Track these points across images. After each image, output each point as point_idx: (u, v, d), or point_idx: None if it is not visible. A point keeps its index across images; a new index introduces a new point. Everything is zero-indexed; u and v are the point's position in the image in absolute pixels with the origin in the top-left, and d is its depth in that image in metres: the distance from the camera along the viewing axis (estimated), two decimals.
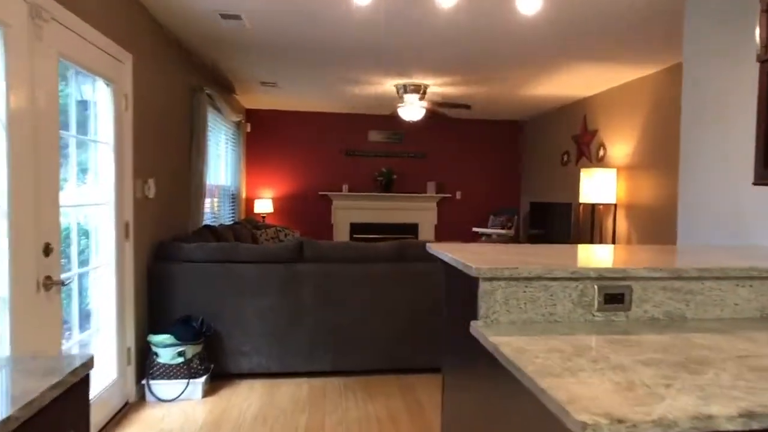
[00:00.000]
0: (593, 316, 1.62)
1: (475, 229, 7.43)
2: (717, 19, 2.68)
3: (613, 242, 5.26)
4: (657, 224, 4.79)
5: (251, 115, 7.33)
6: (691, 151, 2.84)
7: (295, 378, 3.60)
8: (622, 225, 5.26)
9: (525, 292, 1.58)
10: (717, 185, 2.65)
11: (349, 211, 7.65)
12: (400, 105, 5.64)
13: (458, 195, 7.91)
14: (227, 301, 3.49)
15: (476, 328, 1.51)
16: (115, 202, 2.92)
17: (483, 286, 1.55)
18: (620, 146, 5.36)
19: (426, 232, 7.81)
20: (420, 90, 5.45)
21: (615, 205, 5.27)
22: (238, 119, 6.28)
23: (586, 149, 6.01)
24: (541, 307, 1.59)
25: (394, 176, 7.58)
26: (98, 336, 2.88)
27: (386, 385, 3.53)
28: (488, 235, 7.36)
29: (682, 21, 3.57)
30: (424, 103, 5.55)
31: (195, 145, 4.51)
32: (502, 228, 7.33)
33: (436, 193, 7.74)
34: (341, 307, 3.62)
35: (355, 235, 7.67)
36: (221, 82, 5.62)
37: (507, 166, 8.02)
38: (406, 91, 5.47)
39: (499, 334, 1.44)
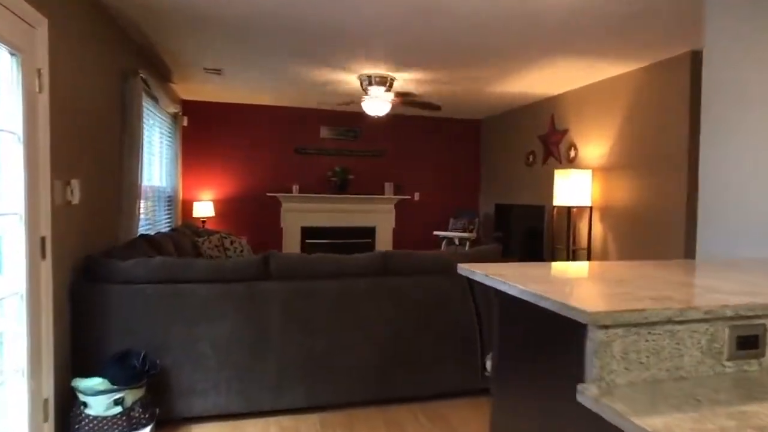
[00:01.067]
0: (723, 366, 1.21)
1: (436, 233, 7.05)
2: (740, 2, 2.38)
3: (589, 246, 5.03)
4: (635, 227, 4.59)
5: (189, 107, 6.54)
6: (713, 147, 2.54)
7: (262, 417, 3.00)
8: (598, 228, 5.04)
9: (647, 341, 1.13)
10: (747, 186, 2.36)
11: (300, 214, 7.03)
12: (364, 98, 5.13)
13: (416, 196, 7.50)
14: (176, 330, 2.84)
15: (595, 398, 1.05)
16: (26, 210, 2.21)
17: (596, 336, 1.09)
18: (594, 147, 5.14)
19: (383, 236, 7.34)
20: (386, 82, 4.97)
21: (590, 208, 5.04)
22: (176, 111, 5.52)
23: (554, 149, 5.77)
24: (665, 360, 1.15)
25: (350, 176, 7.05)
26: (2, 389, 2.17)
27: (370, 420, 3.02)
28: (450, 239, 7.00)
29: (666, 18, 3.33)
30: (391, 97, 5.08)
31: (128, 138, 3.78)
32: (464, 231, 6.99)
33: (394, 194, 7.29)
34: (315, 331, 3.06)
35: (307, 240, 7.07)
36: (157, 66, 4.86)
37: (467, 167, 7.71)
38: (371, 83, 4.97)
39: (636, 410, 0.98)
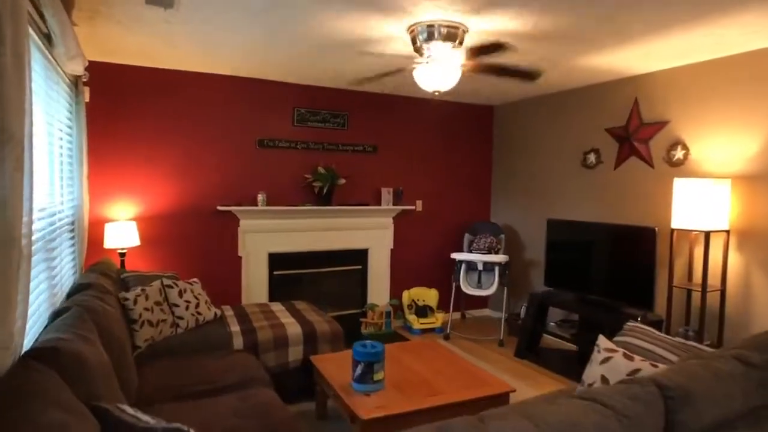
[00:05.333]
0: None
1: (453, 256, 5.28)
2: None
3: (723, 286, 3.59)
4: None
5: (95, 72, 4.12)
6: None
7: None
8: (737, 261, 3.61)
9: None
10: None
11: (267, 235, 4.90)
12: (416, 64, 3.21)
13: (419, 206, 5.68)
14: None
15: None
16: None
17: None
18: (723, 146, 3.70)
19: (378, 261, 5.43)
20: (456, 36, 3.09)
21: (727, 232, 3.59)
22: (79, 73, 3.19)
23: (642, 147, 4.27)
24: None
25: (341, 180, 5.04)
26: None
27: None
28: (471, 264, 5.28)
29: None
30: (462, 59, 3.19)
31: None
32: (489, 251, 5.32)
33: (394, 204, 5.40)
34: None
35: (275, 272, 4.97)
36: None
37: (478, 167, 6.02)
38: (430, 38, 3.06)
39: None
